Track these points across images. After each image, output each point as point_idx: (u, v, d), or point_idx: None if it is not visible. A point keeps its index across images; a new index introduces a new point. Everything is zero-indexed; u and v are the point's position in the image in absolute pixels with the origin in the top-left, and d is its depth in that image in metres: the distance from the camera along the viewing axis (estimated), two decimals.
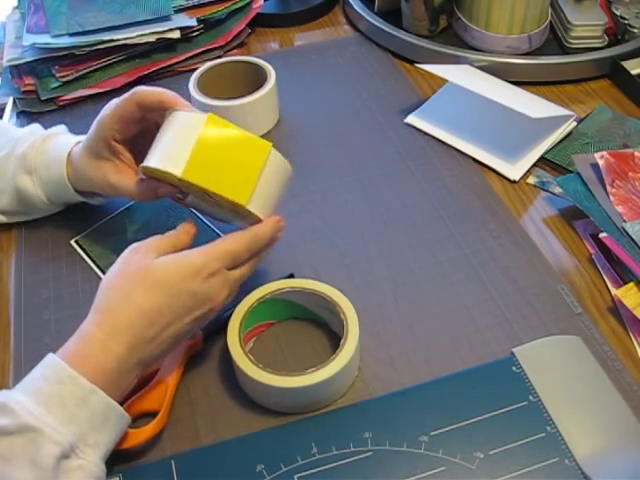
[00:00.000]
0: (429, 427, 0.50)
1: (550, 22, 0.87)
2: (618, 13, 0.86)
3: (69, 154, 0.61)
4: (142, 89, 0.56)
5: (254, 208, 0.51)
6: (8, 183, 0.64)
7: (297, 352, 0.56)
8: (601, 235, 0.61)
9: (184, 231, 0.53)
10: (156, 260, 0.49)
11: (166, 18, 0.86)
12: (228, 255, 0.50)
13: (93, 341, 0.46)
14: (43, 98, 0.82)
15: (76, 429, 0.43)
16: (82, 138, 0.62)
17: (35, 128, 0.67)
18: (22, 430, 0.41)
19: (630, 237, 0.60)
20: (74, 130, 0.67)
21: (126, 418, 0.47)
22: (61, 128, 0.67)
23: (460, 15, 0.87)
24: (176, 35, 0.85)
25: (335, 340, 0.56)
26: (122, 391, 0.48)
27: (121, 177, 0.59)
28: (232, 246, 0.51)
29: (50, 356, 0.46)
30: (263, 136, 0.77)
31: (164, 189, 0.57)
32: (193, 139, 0.50)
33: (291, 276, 0.61)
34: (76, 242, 0.66)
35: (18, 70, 0.84)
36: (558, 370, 0.53)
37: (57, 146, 0.63)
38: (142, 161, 0.54)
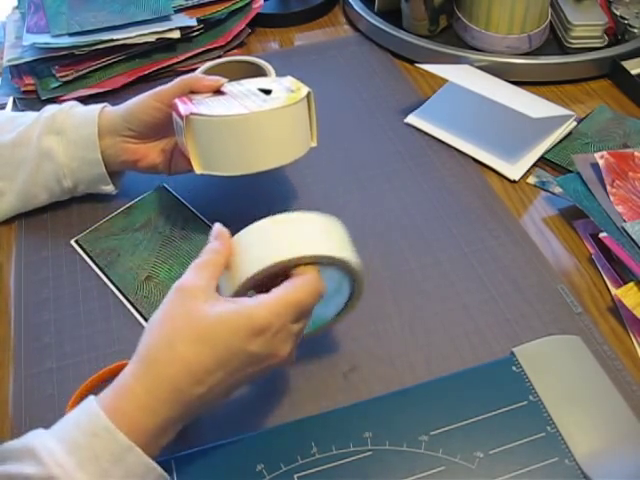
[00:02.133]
0: (429, 427, 0.50)
1: (550, 22, 0.87)
2: (618, 13, 0.86)
3: (100, 113, 0.64)
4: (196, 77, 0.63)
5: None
6: (31, 150, 0.64)
7: None
8: (601, 235, 0.61)
9: (216, 251, 0.47)
10: (207, 307, 0.42)
11: (166, 18, 0.86)
12: (294, 308, 0.44)
13: (132, 397, 0.41)
14: (43, 98, 0.82)
15: None
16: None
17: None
18: None
19: (630, 237, 0.60)
20: None
21: (164, 478, 0.43)
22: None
23: (460, 15, 0.87)
24: (176, 35, 0.85)
25: None
26: (162, 447, 0.43)
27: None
28: (298, 297, 0.44)
29: (90, 400, 0.42)
30: None
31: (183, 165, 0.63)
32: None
33: None
34: (76, 242, 0.66)
35: (18, 70, 0.84)
36: (558, 370, 0.53)
37: (86, 109, 0.65)
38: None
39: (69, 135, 0.64)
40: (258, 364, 0.44)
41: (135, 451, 0.40)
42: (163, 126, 0.63)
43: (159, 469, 0.42)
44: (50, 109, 0.66)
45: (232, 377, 0.43)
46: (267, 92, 0.62)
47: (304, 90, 0.62)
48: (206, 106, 0.59)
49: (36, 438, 0.40)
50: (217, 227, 0.49)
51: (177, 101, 0.60)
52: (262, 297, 0.43)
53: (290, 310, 0.43)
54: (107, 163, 0.65)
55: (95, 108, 0.65)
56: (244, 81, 0.65)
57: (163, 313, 0.43)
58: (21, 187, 0.65)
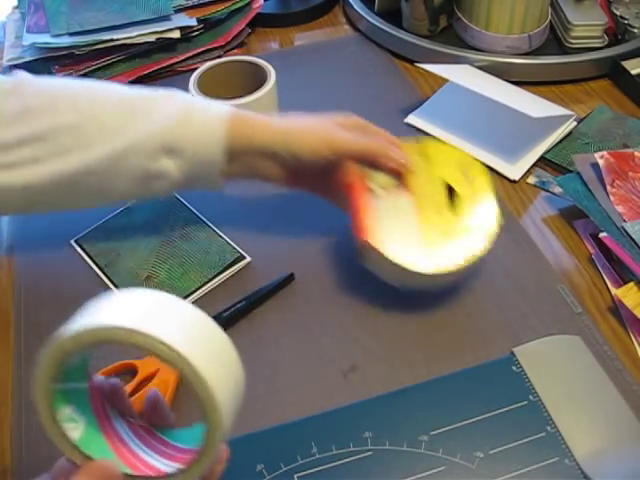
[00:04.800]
0: (429, 427, 0.50)
1: (550, 22, 0.87)
2: (618, 13, 0.86)
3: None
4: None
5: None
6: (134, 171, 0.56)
7: None
8: (601, 235, 0.61)
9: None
10: None
11: (166, 18, 0.86)
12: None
13: None
14: None
15: None
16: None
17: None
18: None
19: (630, 237, 0.60)
20: None
21: None
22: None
23: (460, 15, 0.87)
24: (176, 35, 0.85)
25: None
26: None
27: None
28: None
29: None
30: None
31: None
32: None
33: (291, 276, 0.61)
34: (76, 242, 0.66)
35: (18, 70, 0.84)
36: (558, 370, 0.53)
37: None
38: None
39: (187, 154, 0.55)
40: None
41: None
42: (322, 170, 0.56)
43: None
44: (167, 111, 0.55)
45: None
46: (453, 191, 0.57)
47: (497, 217, 0.56)
48: (385, 220, 0.55)
49: None
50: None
51: (355, 189, 0.55)
52: None
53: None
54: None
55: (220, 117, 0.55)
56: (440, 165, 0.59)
57: None
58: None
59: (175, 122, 0.55)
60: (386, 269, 0.55)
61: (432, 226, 0.55)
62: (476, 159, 0.60)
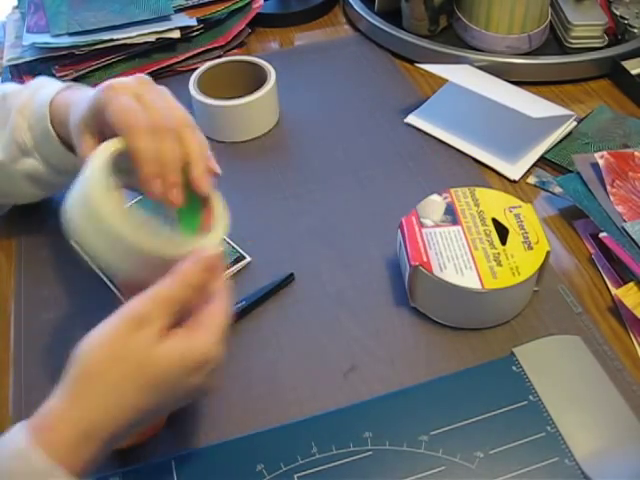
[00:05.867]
0: (429, 427, 0.50)
1: (550, 22, 0.87)
2: (618, 13, 0.86)
3: (51, 102, 0.56)
4: None
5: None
6: (13, 171, 0.60)
7: None
8: (601, 235, 0.61)
9: (191, 288, 0.42)
10: (159, 350, 0.40)
11: (166, 18, 0.86)
12: (225, 324, 0.43)
13: (65, 437, 0.38)
14: None
15: None
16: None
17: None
18: None
19: (630, 237, 0.60)
20: None
21: None
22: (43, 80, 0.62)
23: (460, 15, 0.87)
24: (176, 35, 0.85)
25: None
26: (90, 462, 0.40)
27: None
28: (223, 313, 0.43)
29: (21, 423, 0.39)
30: (263, 136, 0.78)
31: None
32: None
33: (291, 275, 0.61)
34: (76, 242, 0.66)
35: (18, 70, 0.84)
36: (558, 370, 0.53)
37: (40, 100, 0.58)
38: None
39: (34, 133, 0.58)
40: (195, 390, 0.43)
41: (55, 474, 0.37)
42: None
43: None
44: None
45: (175, 404, 0.44)
46: (504, 230, 0.58)
47: (545, 247, 0.56)
48: (436, 245, 0.56)
49: None
50: (212, 257, 0.44)
51: (404, 222, 0.59)
52: (200, 331, 0.42)
53: (224, 327, 0.42)
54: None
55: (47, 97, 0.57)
56: (487, 201, 0.60)
57: (109, 347, 0.40)
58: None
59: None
60: (436, 289, 0.55)
61: (480, 252, 0.56)
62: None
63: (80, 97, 0.53)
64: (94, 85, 0.55)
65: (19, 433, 0.39)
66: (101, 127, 0.50)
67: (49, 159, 0.59)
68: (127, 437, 0.43)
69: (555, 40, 0.87)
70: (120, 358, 0.40)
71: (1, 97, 0.61)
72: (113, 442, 0.41)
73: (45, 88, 0.59)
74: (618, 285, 0.59)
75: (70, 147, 0.55)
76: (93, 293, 0.62)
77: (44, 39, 0.82)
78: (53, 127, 0.56)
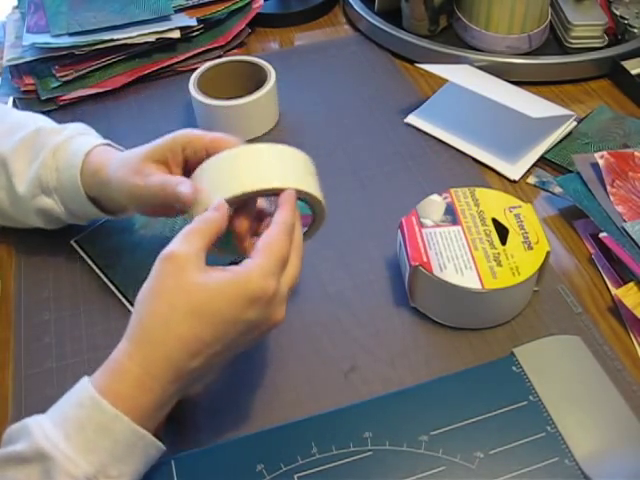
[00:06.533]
0: (429, 427, 0.50)
1: (550, 22, 0.87)
2: (618, 13, 0.86)
3: (84, 160, 0.56)
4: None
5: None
6: (29, 205, 0.60)
7: None
8: (601, 235, 0.61)
9: (211, 220, 0.44)
10: (201, 279, 0.42)
11: (166, 18, 0.86)
12: (280, 261, 0.44)
13: (128, 377, 0.41)
14: (43, 98, 0.82)
15: (95, 459, 0.40)
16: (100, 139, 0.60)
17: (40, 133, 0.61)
18: (37, 458, 0.39)
19: (630, 237, 0.60)
20: None
21: (156, 446, 0.43)
22: (74, 129, 0.61)
23: (460, 15, 0.87)
24: (176, 35, 0.85)
25: None
26: (159, 420, 0.44)
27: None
28: (279, 246, 0.44)
29: (83, 379, 0.43)
30: (263, 136, 0.78)
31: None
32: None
33: None
34: (76, 242, 0.66)
35: (18, 70, 0.84)
36: (558, 370, 0.53)
37: (71, 155, 0.58)
38: None
39: (61, 193, 0.58)
40: (254, 330, 0.44)
41: (122, 419, 0.40)
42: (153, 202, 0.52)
43: (148, 436, 0.42)
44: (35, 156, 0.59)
45: (228, 347, 0.43)
46: (504, 230, 0.58)
47: (545, 247, 0.56)
48: (436, 245, 0.56)
49: (32, 417, 0.41)
50: (220, 201, 0.46)
51: (404, 222, 0.58)
52: (251, 262, 0.43)
53: (278, 263, 0.43)
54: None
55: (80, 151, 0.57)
56: (488, 203, 0.60)
57: (154, 286, 0.42)
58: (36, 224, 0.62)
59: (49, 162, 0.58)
60: (436, 289, 0.55)
61: (480, 252, 0.56)
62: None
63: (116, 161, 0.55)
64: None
65: (87, 384, 0.42)
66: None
67: (68, 204, 0.59)
68: (194, 382, 0.44)
69: (555, 40, 0.87)
70: (165, 291, 0.42)
71: (35, 131, 0.61)
72: (178, 385, 0.42)
73: (83, 136, 0.60)
74: (618, 285, 0.59)
75: (92, 198, 0.58)
76: (93, 294, 0.62)
77: (44, 39, 0.82)
78: (81, 178, 0.57)
